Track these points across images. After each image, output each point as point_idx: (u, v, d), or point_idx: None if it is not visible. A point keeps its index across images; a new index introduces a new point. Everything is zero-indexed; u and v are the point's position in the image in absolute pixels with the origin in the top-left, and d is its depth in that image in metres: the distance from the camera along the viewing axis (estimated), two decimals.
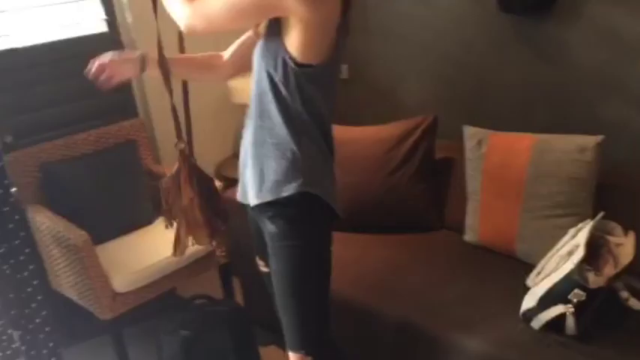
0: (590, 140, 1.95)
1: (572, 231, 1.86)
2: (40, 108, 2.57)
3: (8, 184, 1.76)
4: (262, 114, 1.46)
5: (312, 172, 1.47)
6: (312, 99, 1.42)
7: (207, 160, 2.90)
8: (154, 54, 1.71)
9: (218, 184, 2.49)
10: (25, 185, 2.38)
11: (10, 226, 1.77)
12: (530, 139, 2.07)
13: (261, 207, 1.50)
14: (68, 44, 2.64)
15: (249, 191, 1.53)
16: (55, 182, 2.44)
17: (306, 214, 1.48)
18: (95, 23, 2.73)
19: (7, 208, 1.77)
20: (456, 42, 2.60)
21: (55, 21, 2.61)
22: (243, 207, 1.64)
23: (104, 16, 2.72)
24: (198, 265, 2.42)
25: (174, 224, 1.82)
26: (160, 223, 2.61)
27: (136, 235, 2.51)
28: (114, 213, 2.49)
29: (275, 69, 1.39)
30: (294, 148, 1.44)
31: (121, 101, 2.82)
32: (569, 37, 2.24)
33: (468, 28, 2.53)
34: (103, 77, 1.69)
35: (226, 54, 1.75)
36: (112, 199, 2.50)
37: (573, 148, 1.97)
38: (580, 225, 1.84)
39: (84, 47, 2.68)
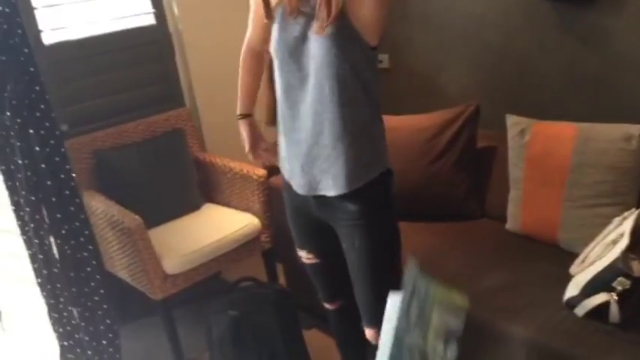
0: (635, 129, 1.95)
1: (616, 220, 1.86)
2: (92, 98, 2.68)
3: (69, 169, 1.86)
4: (344, 103, 1.45)
5: (386, 149, 1.59)
6: (377, 80, 1.52)
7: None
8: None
9: (261, 172, 2.57)
10: (80, 171, 2.49)
11: (72, 209, 1.87)
12: (574, 128, 2.07)
13: (345, 194, 1.52)
14: (118, 37, 2.74)
15: (328, 183, 1.53)
16: (107, 169, 2.55)
17: (389, 189, 1.58)
18: (144, 16, 2.82)
19: (68, 192, 1.86)
20: (496, 30, 2.59)
21: (105, 14, 2.71)
22: (291, 197, 1.68)
23: (152, 9, 2.81)
24: (243, 249, 2.51)
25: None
26: (206, 209, 2.71)
27: (184, 220, 2.61)
28: (163, 198, 2.59)
29: (357, 55, 1.43)
30: (376, 129, 1.54)
31: (168, 91, 2.92)
32: (613, 25, 2.22)
33: (509, 16, 2.52)
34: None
35: (254, 44, 1.75)
36: (162, 186, 2.60)
37: (618, 137, 1.97)
38: (625, 214, 1.85)
39: (133, 39, 2.79)
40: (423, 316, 1.29)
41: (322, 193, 1.55)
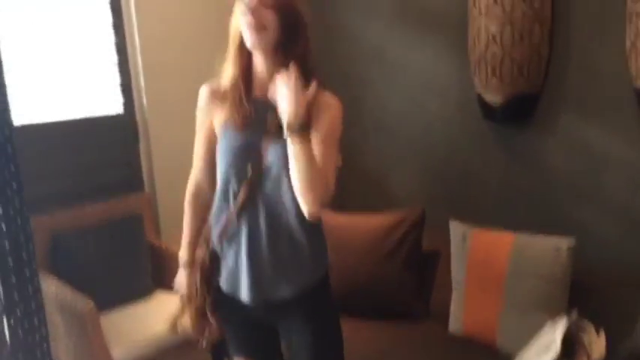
0: (564, 242, 2.14)
1: (548, 324, 2.00)
2: (54, 179, 2.72)
3: (32, 249, 1.89)
4: (278, 203, 1.52)
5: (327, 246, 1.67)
6: None
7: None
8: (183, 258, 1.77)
9: None
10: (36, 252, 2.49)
11: (29, 290, 1.87)
12: (511, 237, 2.25)
13: (300, 294, 1.57)
14: (85, 122, 2.84)
15: (284, 284, 1.56)
16: (63, 250, 2.56)
17: (330, 286, 1.67)
18: (112, 104, 2.94)
19: (28, 273, 1.88)
20: (442, 140, 2.83)
21: (75, 100, 2.82)
22: (231, 309, 1.64)
23: (121, 99, 2.94)
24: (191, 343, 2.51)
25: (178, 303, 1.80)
26: (158, 295, 2.72)
27: (135, 307, 2.62)
28: (116, 284, 2.61)
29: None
30: (321, 225, 1.61)
31: (129, 177, 2.99)
32: (546, 146, 2.48)
33: (454, 129, 2.77)
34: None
35: (202, 184, 1.71)
36: (115, 271, 2.62)
37: (549, 248, 2.15)
38: (556, 319, 1.99)
39: (99, 126, 2.89)
40: None
41: (278, 295, 1.57)
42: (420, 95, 2.88)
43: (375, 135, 3.09)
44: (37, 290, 1.93)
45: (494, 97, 2.49)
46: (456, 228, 2.40)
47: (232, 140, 1.55)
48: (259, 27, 1.46)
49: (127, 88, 2.94)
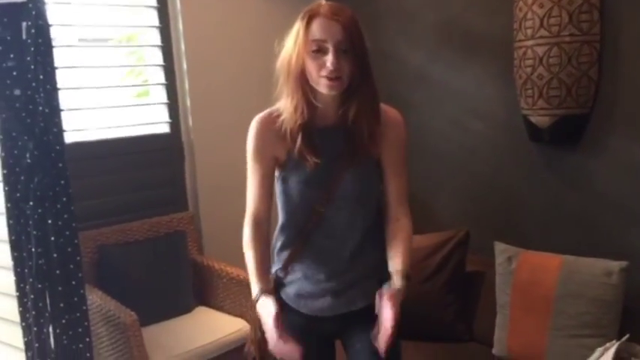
0: (615, 265, 2.08)
1: (599, 350, 1.93)
2: (102, 196, 2.80)
3: (79, 260, 1.94)
4: (349, 226, 1.58)
5: None
6: None
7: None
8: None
9: None
10: (83, 265, 2.55)
11: (75, 299, 1.92)
12: (559, 259, 2.20)
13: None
14: (133, 141, 2.92)
15: (358, 295, 1.61)
16: (108, 264, 2.61)
17: None
18: (160, 124, 3.02)
19: (74, 282, 1.93)
20: (487, 162, 2.80)
21: (124, 120, 2.91)
22: (295, 321, 1.61)
23: (168, 119, 3.02)
24: (232, 355, 2.51)
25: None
26: (198, 312, 2.75)
27: (175, 322, 2.64)
28: (158, 298, 2.64)
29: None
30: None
31: (174, 195, 3.05)
32: (595, 167, 2.43)
33: (499, 151, 2.74)
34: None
35: (261, 216, 1.66)
36: (158, 285, 2.65)
37: (599, 272, 2.09)
38: (607, 345, 1.92)
39: (146, 145, 2.96)
40: None
41: (354, 307, 1.62)
42: (464, 117, 2.86)
43: (419, 157, 3.08)
44: (83, 300, 1.99)
45: (541, 119, 2.45)
46: (501, 249, 2.36)
47: (300, 175, 1.55)
48: (337, 77, 1.45)
49: (173, 108, 3.02)
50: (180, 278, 2.76)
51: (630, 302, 2.07)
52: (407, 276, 1.53)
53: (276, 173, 1.61)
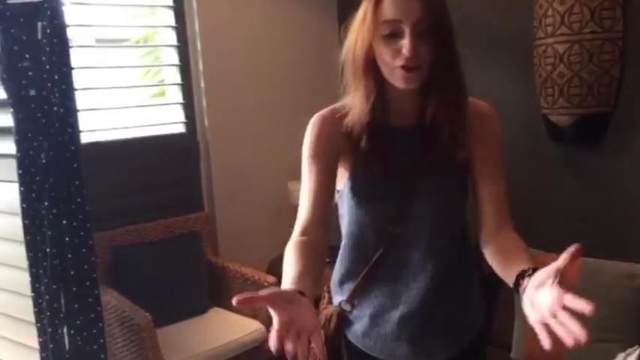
0: (638, 268, 2.03)
1: (620, 356, 1.89)
2: (117, 196, 2.79)
3: (93, 261, 1.94)
4: (428, 254, 1.27)
5: None
6: None
7: (260, 256, 3.07)
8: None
9: (271, 279, 2.63)
10: (97, 266, 2.55)
11: (90, 300, 1.92)
12: (579, 261, 2.14)
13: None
14: (148, 141, 2.91)
15: (435, 347, 1.31)
16: (123, 265, 2.61)
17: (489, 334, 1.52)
18: (175, 124, 3.02)
19: (89, 283, 1.93)
20: (508, 163, 2.74)
21: (140, 120, 2.91)
22: None
23: (184, 119, 3.01)
24: (248, 357, 2.50)
25: None
26: (213, 313, 2.74)
27: (190, 323, 2.63)
28: (173, 299, 2.63)
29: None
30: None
31: (189, 196, 3.04)
32: (618, 168, 2.37)
33: (518, 150, 2.69)
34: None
35: (313, 227, 1.24)
36: (173, 286, 2.65)
37: (621, 274, 2.04)
38: (629, 350, 1.88)
39: (162, 145, 2.96)
40: None
41: (435, 357, 1.32)
42: None
43: None
44: (97, 301, 1.98)
45: (561, 118, 2.41)
46: None
47: (365, 186, 1.26)
48: (416, 67, 1.15)
49: (189, 108, 3.01)
50: (195, 279, 2.75)
51: None
52: None
53: (338, 186, 1.30)
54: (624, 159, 2.35)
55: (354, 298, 1.31)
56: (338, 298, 1.34)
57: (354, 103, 1.23)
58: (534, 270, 1.03)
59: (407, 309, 1.28)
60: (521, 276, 1.07)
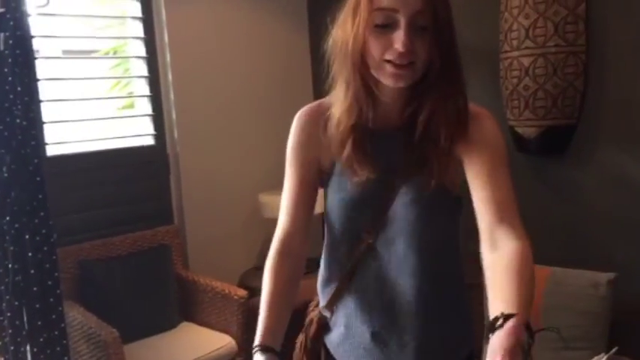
0: (603, 277, 2.06)
1: None
2: (84, 210, 2.75)
3: (57, 277, 1.90)
4: (404, 265, 1.17)
5: None
6: None
7: (231, 269, 3.05)
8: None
9: (242, 293, 2.61)
10: (62, 280, 2.50)
11: (53, 316, 1.88)
12: (546, 271, 2.17)
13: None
14: (116, 154, 2.88)
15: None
16: (90, 280, 2.56)
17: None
18: (144, 137, 2.98)
19: (52, 300, 1.88)
20: None
21: (108, 132, 2.87)
22: None
23: (153, 131, 2.98)
24: None
25: None
26: (183, 327, 2.70)
27: (160, 338, 2.58)
28: (141, 314, 2.58)
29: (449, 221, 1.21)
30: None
31: (159, 209, 3.00)
32: (582, 178, 2.42)
33: None
34: None
35: (293, 239, 1.22)
36: (141, 301, 2.60)
37: (587, 283, 2.07)
38: (595, 358, 1.90)
39: (131, 157, 2.93)
40: None
41: None
42: None
43: None
44: (61, 318, 1.94)
45: (527, 130, 2.44)
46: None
47: (349, 191, 1.16)
48: (408, 63, 1.05)
49: (158, 120, 2.98)
50: (164, 293, 2.71)
51: (618, 314, 2.05)
52: (526, 324, 0.91)
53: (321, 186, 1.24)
54: (588, 170, 2.40)
55: (332, 305, 1.24)
56: (321, 302, 1.27)
57: (339, 98, 1.13)
58: (507, 317, 0.89)
59: (381, 327, 1.18)
60: (491, 325, 0.91)
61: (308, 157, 1.20)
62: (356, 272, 1.19)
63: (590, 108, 2.36)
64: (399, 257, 1.15)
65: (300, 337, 1.31)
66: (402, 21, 1.02)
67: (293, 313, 1.19)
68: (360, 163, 1.12)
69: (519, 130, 2.47)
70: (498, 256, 1.02)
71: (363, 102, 1.11)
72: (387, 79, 1.06)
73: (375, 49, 1.05)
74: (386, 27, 1.03)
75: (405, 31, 1.02)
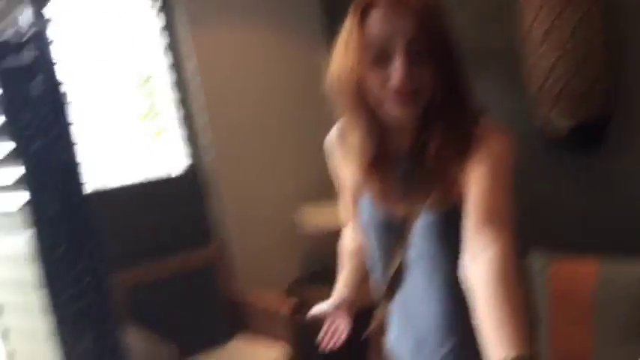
0: None
1: None
2: (129, 239, 2.79)
3: (112, 303, 1.95)
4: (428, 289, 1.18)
5: None
6: None
7: (279, 279, 3.12)
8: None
9: (288, 307, 2.65)
10: (116, 306, 2.57)
11: (113, 340, 1.93)
12: (596, 264, 2.14)
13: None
14: (152, 184, 2.96)
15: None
16: (142, 304, 2.63)
17: None
18: (179, 162, 3.06)
19: (110, 324, 1.94)
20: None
21: (144, 163, 2.96)
22: None
23: (187, 156, 3.06)
24: None
25: None
26: (234, 344, 2.75)
27: (210, 356, 2.64)
28: (192, 333, 2.65)
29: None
30: None
31: (197, 230, 3.06)
32: (622, 168, 2.38)
33: (522, 162, 2.69)
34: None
35: (350, 234, 1.43)
36: (191, 320, 2.66)
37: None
38: None
39: (167, 186, 3.01)
40: None
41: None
42: None
43: None
44: (118, 341, 1.99)
45: (559, 125, 2.43)
46: (534, 261, 2.32)
47: (373, 214, 1.19)
48: (410, 91, 1.01)
49: (192, 143, 3.06)
50: (211, 312, 2.76)
51: None
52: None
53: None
54: (627, 159, 2.37)
55: (382, 312, 1.29)
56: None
57: (351, 127, 1.12)
58: None
59: (422, 340, 1.20)
60: None
61: (344, 177, 1.29)
62: (393, 288, 1.22)
63: (625, 97, 2.34)
64: (422, 282, 1.16)
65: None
66: (397, 50, 0.99)
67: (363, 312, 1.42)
68: (383, 195, 1.15)
69: (550, 126, 2.46)
70: (478, 270, 0.94)
71: (374, 134, 1.09)
72: (391, 108, 1.04)
73: (373, 82, 1.02)
74: (381, 59, 1.00)
75: (401, 61, 0.99)
